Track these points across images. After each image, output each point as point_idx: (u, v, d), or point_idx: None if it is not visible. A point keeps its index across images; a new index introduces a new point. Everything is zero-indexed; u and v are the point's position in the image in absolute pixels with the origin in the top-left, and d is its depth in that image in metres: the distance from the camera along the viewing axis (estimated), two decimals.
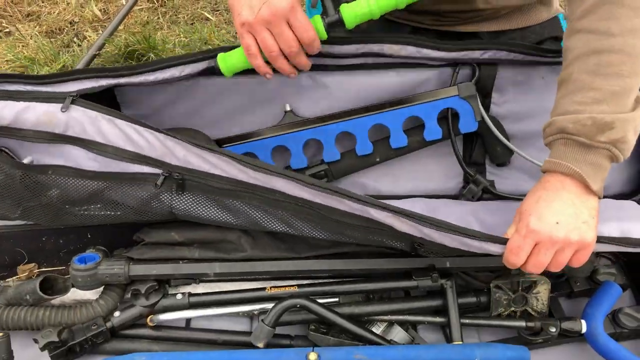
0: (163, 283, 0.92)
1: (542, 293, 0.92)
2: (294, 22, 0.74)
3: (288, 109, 0.94)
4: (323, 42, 0.82)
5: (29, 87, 0.83)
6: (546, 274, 0.91)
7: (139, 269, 0.89)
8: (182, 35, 1.72)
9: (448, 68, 0.92)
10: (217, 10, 1.99)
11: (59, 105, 0.80)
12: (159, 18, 1.95)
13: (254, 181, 0.80)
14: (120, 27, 1.89)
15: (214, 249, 0.92)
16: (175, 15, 1.97)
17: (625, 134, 0.70)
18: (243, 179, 0.81)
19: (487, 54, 0.88)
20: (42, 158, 0.86)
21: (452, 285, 0.91)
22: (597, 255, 1.05)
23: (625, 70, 0.69)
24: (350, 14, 0.78)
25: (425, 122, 0.93)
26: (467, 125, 0.93)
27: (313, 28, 0.76)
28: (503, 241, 0.76)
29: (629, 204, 0.93)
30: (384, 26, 1.02)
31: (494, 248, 0.77)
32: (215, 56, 0.84)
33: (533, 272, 0.75)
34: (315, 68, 0.90)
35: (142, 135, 0.81)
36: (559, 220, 0.71)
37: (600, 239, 0.75)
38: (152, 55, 1.57)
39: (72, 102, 0.81)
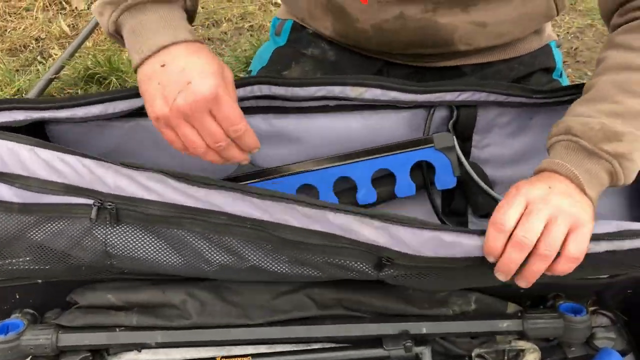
0: (99, 352, 0.81)
1: None
2: (217, 113, 0.63)
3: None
4: (275, 84, 0.72)
5: None
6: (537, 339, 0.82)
7: (68, 339, 0.78)
8: None
9: (422, 110, 0.81)
10: (194, 26, 1.88)
11: None
12: None
13: (194, 203, 0.69)
14: (89, 44, 1.79)
15: (155, 315, 0.80)
16: None
17: (632, 151, 0.64)
18: (182, 202, 0.70)
19: (464, 96, 0.77)
20: None
21: (429, 354, 0.80)
22: (595, 312, 0.95)
23: None
24: None
25: (396, 176, 0.82)
26: (444, 181, 0.82)
27: (241, 118, 0.65)
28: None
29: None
30: (355, 61, 0.91)
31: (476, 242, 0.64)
32: None
33: (522, 240, 0.60)
34: (271, 110, 0.80)
35: (68, 164, 0.71)
36: (552, 187, 0.62)
37: (597, 236, 0.64)
38: (113, 79, 1.45)
39: None
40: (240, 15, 1.97)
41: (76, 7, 1.98)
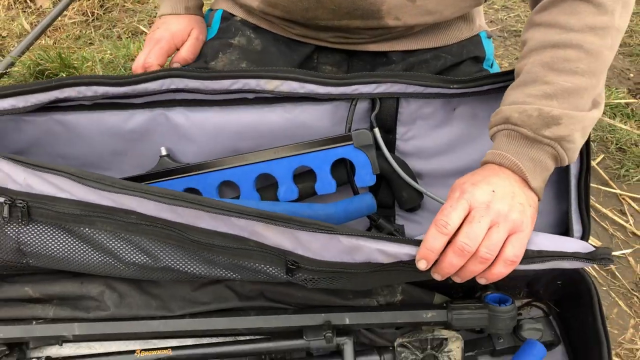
0: (17, 346, 0.80)
1: (454, 351, 0.81)
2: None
3: (164, 153, 0.81)
4: (188, 77, 0.71)
5: None
6: (462, 329, 0.81)
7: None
8: (108, 52, 1.60)
9: (344, 102, 0.80)
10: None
11: None
12: (91, 32, 1.83)
13: (108, 202, 0.68)
14: (50, 43, 1.78)
15: (72, 307, 0.79)
16: (110, 29, 1.85)
17: (571, 132, 0.65)
18: (93, 201, 0.69)
19: (382, 88, 0.76)
20: None
21: (350, 345, 0.79)
22: (528, 304, 0.94)
23: (581, 67, 0.65)
24: None
25: (316, 173, 0.81)
26: (363, 179, 0.81)
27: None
28: (406, 241, 0.63)
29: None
30: (284, 45, 0.90)
31: (392, 249, 0.63)
32: (61, 86, 0.72)
33: (464, 247, 0.60)
34: (188, 103, 0.79)
35: None
36: (496, 190, 0.63)
37: (531, 253, 0.64)
38: (64, 75, 1.44)
39: None
40: None
41: (41, 6, 1.97)
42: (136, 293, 0.80)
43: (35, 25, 1.87)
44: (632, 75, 1.66)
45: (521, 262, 0.63)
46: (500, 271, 0.63)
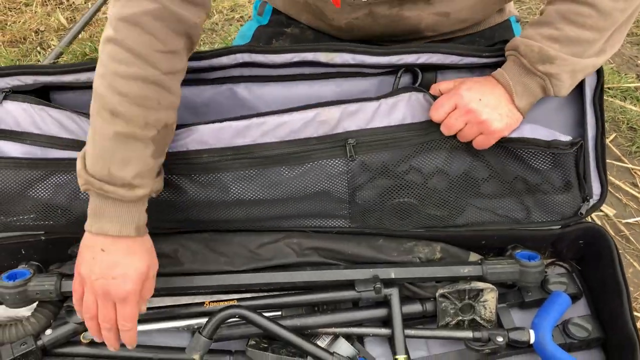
0: None
1: (489, 301, 0.90)
2: (120, 309, 0.73)
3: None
4: (255, 52, 0.81)
5: None
6: (497, 284, 0.90)
7: (71, 285, 0.86)
8: None
9: (388, 77, 0.89)
10: None
11: None
12: None
13: (185, 147, 0.82)
14: (86, 36, 1.87)
15: None
16: None
17: (560, 72, 0.78)
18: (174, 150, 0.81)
19: (423, 58, 0.85)
20: None
21: (397, 295, 0.88)
22: (552, 263, 1.03)
23: (589, 23, 0.75)
24: None
25: None
26: None
27: (133, 319, 0.74)
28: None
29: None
30: (331, 40, 0.99)
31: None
32: None
33: (444, 132, 0.84)
34: (251, 79, 0.88)
35: (75, 122, 0.82)
36: (482, 99, 0.80)
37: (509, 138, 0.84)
38: None
39: (5, 97, 0.81)
40: (231, 8, 2.06)
41: (74, 2, 2.07)
42: (206, 251, 0.89)
43: (71, 21, 1.97)
44: None
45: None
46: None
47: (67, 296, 0.87)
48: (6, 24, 1.97)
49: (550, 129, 0.88)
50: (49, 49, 1.84)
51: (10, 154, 0.85)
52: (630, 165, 1.33)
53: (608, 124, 1.44)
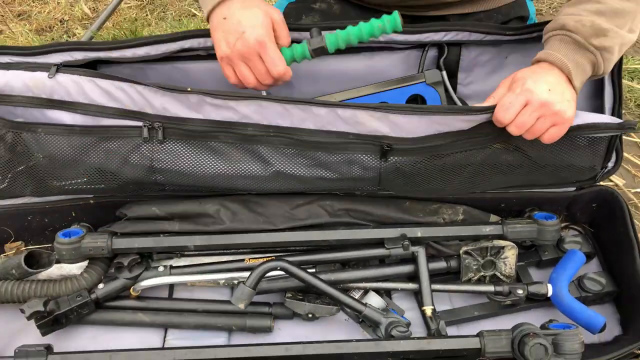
0: (145, 257, 0.96)
1: (509, 258, 0.96)
2: (264, 56, 0.80)
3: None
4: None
5: (16, 59, 0.89)
6: (517, 244, 0.96)
7: (121, 242, 0.93)
8: (169, 31, 1.75)
9: (415, 50, 0.96)
10: None
11: (45, 73, 0.87)
12: (147, 15, 1.99)
13: (229, 118, 0.87)
14: (109, 25, 1.94)
15: (194, 223, 0.95)
16: (163, 12, 2.01)
17: (613, 45, 0.78)
18: (217, 118, 0.87)
19: (449, 36, 0.91)
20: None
21: (423, 252, 0.94)
22: (567, 227, 1.09)
23: None
24: (332, 41, 0.84)
25: None
26: None
27: (283, 62, 0.81)
28: (483, 109, 0.82)
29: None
30: (357, 12, 1.05)
31: (476, 117, 0.83)
32: (187, 37, 0.88)
33: (514, 132, 0.80)
34: None
35: (123, 90, 0.87)
36: (551, 89, 0.78)
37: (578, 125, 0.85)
38: None
39: (58, 70, 0.87)
40: None
41: None
42: (246, 211, 0.96)
43: (94, 10, 2.04)
44: None
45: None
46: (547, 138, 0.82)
47: (117, 253, 0.93)
48: (31, 14, 2.03)
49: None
50: (74, 37, 1.90)
51: (64, 121, 0.91)
52: (637, 140, 1.40)
53: None
